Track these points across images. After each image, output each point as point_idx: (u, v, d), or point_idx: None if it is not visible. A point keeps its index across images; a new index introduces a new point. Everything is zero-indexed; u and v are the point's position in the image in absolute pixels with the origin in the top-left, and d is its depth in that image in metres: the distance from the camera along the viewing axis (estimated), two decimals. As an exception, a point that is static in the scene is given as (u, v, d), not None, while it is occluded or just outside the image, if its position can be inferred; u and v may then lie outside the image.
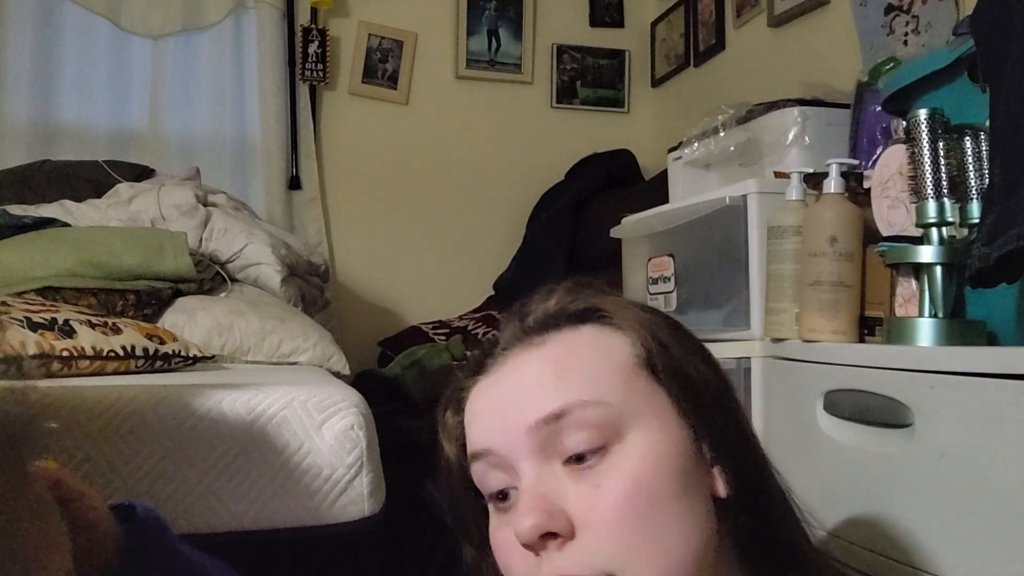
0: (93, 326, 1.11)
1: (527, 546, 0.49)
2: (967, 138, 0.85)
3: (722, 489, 0.53)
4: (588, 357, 0.53)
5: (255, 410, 0.93)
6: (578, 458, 0.50)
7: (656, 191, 1.99)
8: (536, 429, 0.51)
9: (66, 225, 1.63)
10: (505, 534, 0.53)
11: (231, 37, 2.39)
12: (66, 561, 0.41)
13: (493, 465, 0.53)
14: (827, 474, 0.90)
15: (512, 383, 0.54)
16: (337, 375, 1.47)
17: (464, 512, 0.60)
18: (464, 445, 0.58)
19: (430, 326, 2.37)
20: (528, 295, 0.59)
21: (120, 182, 1.92)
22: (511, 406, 0.52)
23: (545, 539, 0.49)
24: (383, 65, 2.56)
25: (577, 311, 0.56)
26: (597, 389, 0.51)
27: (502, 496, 0.53)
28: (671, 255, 1.47)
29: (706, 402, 0.54)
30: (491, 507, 0.55)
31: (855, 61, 1.68)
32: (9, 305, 1.10)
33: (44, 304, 1.18)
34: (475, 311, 2.49)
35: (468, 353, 2.10)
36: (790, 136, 1.44)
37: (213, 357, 1.38)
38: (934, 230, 0.86)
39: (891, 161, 0.98)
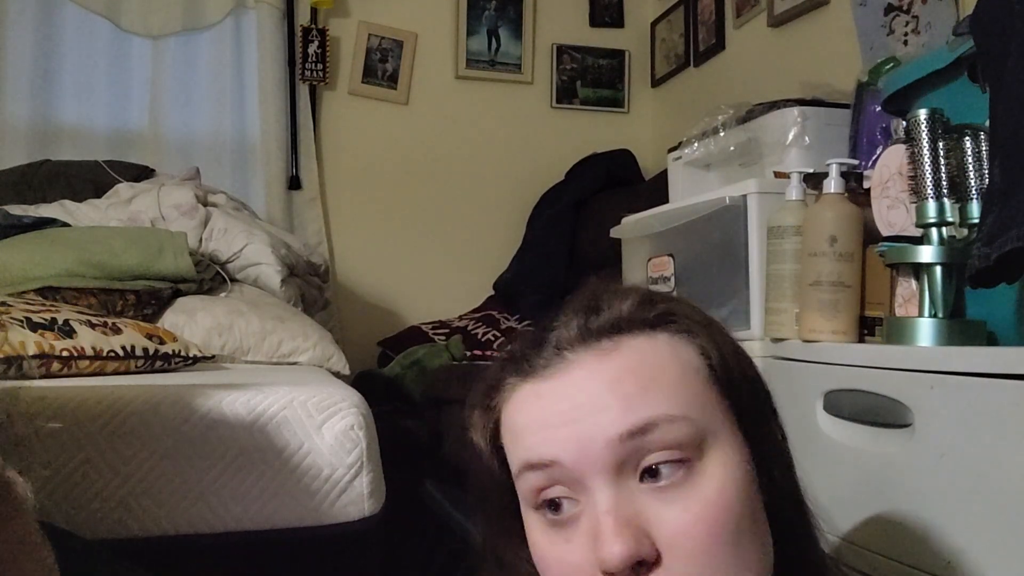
0: (93, 326, 1.11)
1: (608, 574, 0.46)
2: (967, 138, 0.85)
3: (767, 500, 0.52)
4: (668, 367, 0.50)
5: (255, 410, 0.93)
6: (652, 474, 0.47)
7: (656, 191, 1.99)
8: (619, 443, 0.47)
9: (66, 225, 1.63)
10: (563, 551, 0.49)
11: (231, 37, 2.39)
12: (45, 566, 0.40)
13: (555, 478, 0.49)
14: (827, 474, 0.90)
15: (584, 392, 0.49)
16: (337, 375, 1.47)
17: (489, 500, 0.56)
18: (494, 435, 0.54)
19: (430, 326, 2.37)
20: (593, 289, 0.55)
21: (120, 182, 1.92)
22: (586, 417, 0.48)
23: (634, 568, 0.45)
24: (383, 65, 2.56)
25: (652, 316, 0.52)
26: (682, 403, 0.48)
27: (554, 507, 0.49)
28: (671, 255, 1.47)
29: (759, 417, 0.53)
30: (535, 514, 0.51)
31: (855, 61, 1.68)
32: (9, 305, 1.10)
33: (44, 304, 1.18)
34: (475, 311, 2.49)
35: (468, 352, 2.10)
36: (790, 136, 1.44)
37: (213, 357, 1.38)
38: (934, 230, 0.86)
39: (891, 161, 0.98)
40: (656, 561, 0.46)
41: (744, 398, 0.52)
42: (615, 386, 0.48)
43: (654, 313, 0.52)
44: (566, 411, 0.49)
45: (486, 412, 0.55)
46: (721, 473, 0.48)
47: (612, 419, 0.47)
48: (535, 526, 0.51)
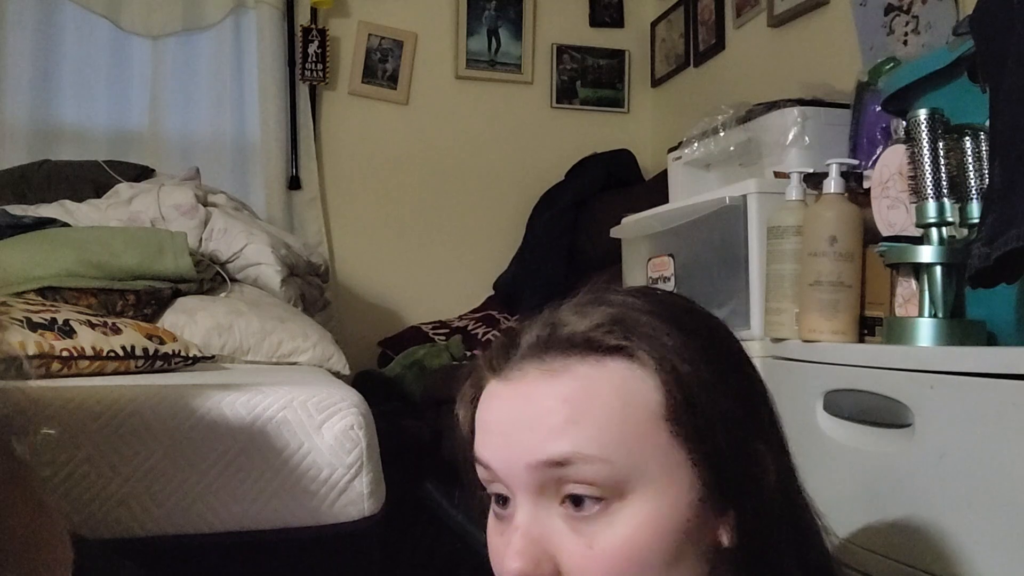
0: (93, 326, 1.11)
1: None
2: (967, 138, 0.85)
3: (726, 539, 0.51)
4: (607, 402, 0.49)
5: (255, 410, 0.93)
6: (575, 501, 0.49)
7: (656, 191, 1.99)
8: (536, 469, 0.49)
9: (66, 225, 1.63)
10: (496, 544, 0.53)
11: (231, 37, 2.39)
12: (67, 550, 0.41)
13: (496, 477, 0.52)
14: (827, 474, 0.90)
15: (522, 409, 0.51)
16: (337, 375, 1.47)
17: (472, 474, 0.59)
18: (473, 412, 0.57)
19: (430, 326, 2.37)
20: (571, 294, 0.55)
21: (120, 182, 1.92)
22: (517, 435, 0.50)
23: None
24: (383, 65, 2.56)
25: (609, 344, 0.50)
26: (606, 443, 0.48)
27: (502, 501, 0.53)
28: (671, 255, 1.47)
29: (726, 455, 0.50)
30: (491, 502, 0.55)
31: (855, 61, 1.67)
32: (9, 305, 1.10)
33: (44, 304, 1.18)
34: (475, 311, 2.49)
35: (469, 352, 2.10)
36: (790, 136, 1.44)
37: (213, 357, 1.38)
38: (934, 230, 0.86)
39: (891, 161, 0.98)
40: None
41: (709, 442, 0.49)
42: (547, 413, 0.49)
43: (612, 342, 0.50)
44: (504, 422, 0.52)
45: (470, 387, 0.58)
46: (638, 519, 0.48)
47: (534, 445, 0.49)
48: (490, 517, 0.55)
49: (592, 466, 0.48)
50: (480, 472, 0.54)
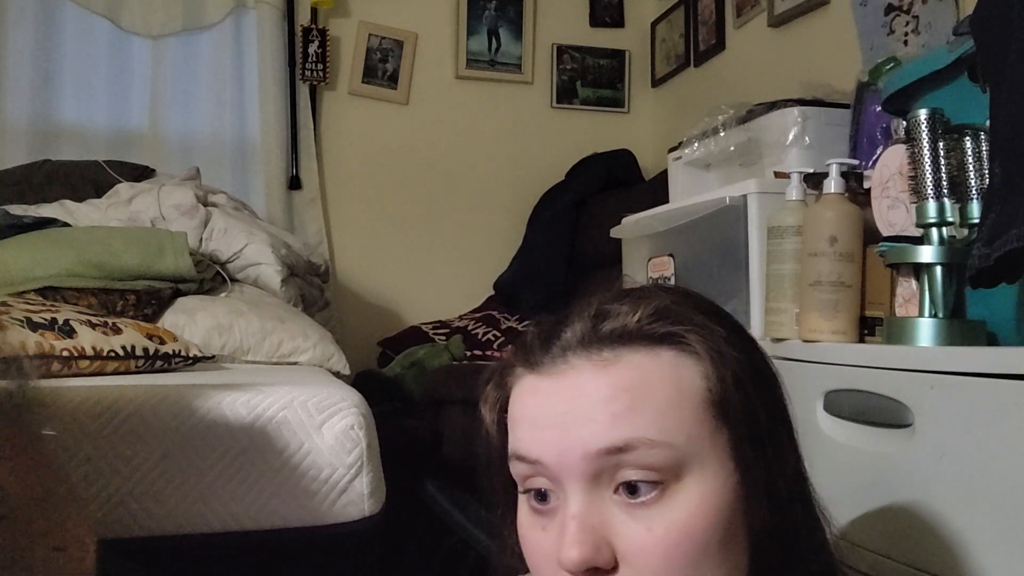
0: (93, 326, 1.11)
1: (568, 572, 0.48)
2: (967, 138, 0.85)
3: (758, 523, 0.52)
4: (662, 389, 0.50)
5: (255, 410, 0.93)
6: (629, 488, 0.49)
7: (656, 191, 1.99)
8: (596, 457, 0.49)
9: (66, 225, 1.63)
10: (539, 539, 0.52)
11: (231, 37, 2.39)
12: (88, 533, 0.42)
13: (538, 472, 0.52)
14: (827, 474, 0.89)
15: (576, 399, 0.50)
16: (337, 375, 1.47)
17: (493, 480, 0.59)
18: (501, 416, 0.56)
19: (430, 326, 2.37)
20: (607, 290, 0.56)
21: (120, 182, 1.92)
22: (572, 425, 0.50)
23: (588, 572, 0.48)
24: (383, 65, 2.56)
25: (659, 333, 0.51)
26: (666, 428, 0.49)
27: (540, 496, 0.52)
28: (671, 255, 1.47)
29: (764, 448, 0.52)
30: (525, 498, 0.54)
31: (855, 61, 1.67)
32: (9, 305, 1.10)
33: (44, 304, 1.18)
34: (475, 311, 2.49)
35: (469, 352, 2.10)
36: (790, 136, 1.44)
37: (213, 357, 1.38)
38: (934, 230, 0.86)
39: (891, 161, 0.98)
40: (613, 569, 0.48)
41: (751, 432, 0.51)
42: (605, 402, 0.49)
43: (662, 331, 0.52)
44: (556, 415, 0.51)
45: (497, 389, 0.57)
46: (695, 500, 0.49)
47: (594, 433, 0.49)
48: (523, 507, 0.54)
49: (654, 450, 0.48)
50: (519, 468, 0.53)
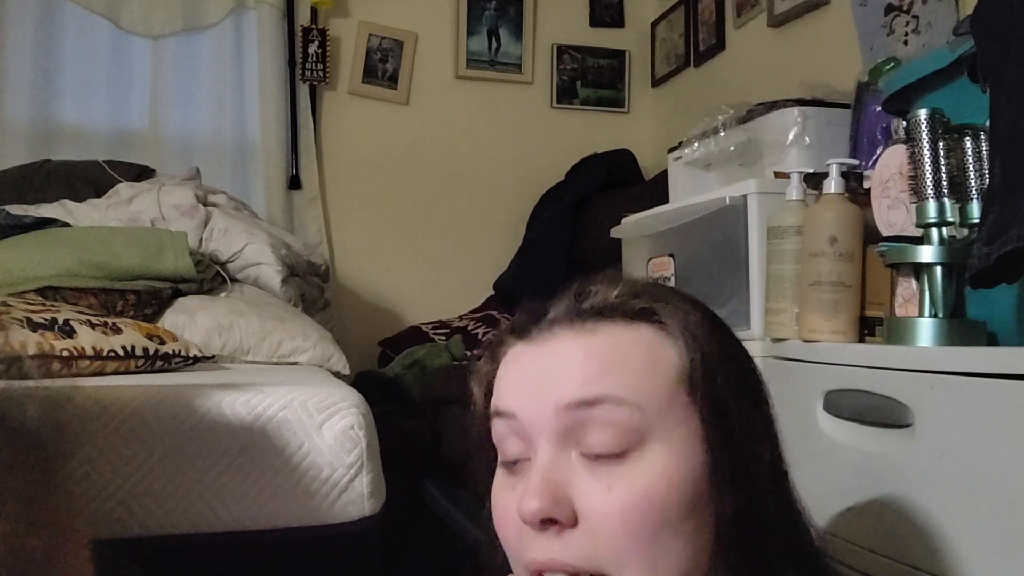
0: (93, 326, 1.11)
1: (526, 522, 0.50)
2: (967, 138, 0.85)
3: (726, 509, 0.52)
4: (637, 359, 0.52)
5: (255, 410, 0.93)
6: (596, 449, 0.51)
7: (656, 191, 1.99)
8: (566, 410, 0.51)
9: (66, 225, 1.63)
10: (507, 498, 0.54)
11: (231, 37, 2.39)
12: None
13: (513, 430, 0.54)
14: (827, 474, 0.90)
15: (554, 359, 0.53)
16: (337, 375, 1.47)
17: (479, 458, 0.60)
18: (490, 394, 0.58)
19: (430, 326, 2.37)
20: (597, 277, 0.58)
21: (120, 182, 1.92)
22: (547, 380, 0.53)
23: (545, 523, 0.50)
24: (383, 65, 2.56)
25: (637, 309, 0.54)
26: (637, 390, 0.51)
27: (513, 460, 0.54)
28: (671, 255, 1.47)
29: (734, 434, 0.53)
30: (500, 462, 0.56)
31: (855, 61, 1.67)
32: (9, 305, 1.10)
33: (44, 304, 1.18)
34: (475, 311, 2.49)
35: (469, 352, 2.10)
36: (790, 136, 1.44)
37: (213, 357, 1.38)
38: (934, 230, 0.86)
39: (891, 161, 0.98)
40: (572, 525, 0.50)
41: (721, 416, 0.52)
42: (580, 363, 0.52)
43: (640, 307, 0.54)
44: (535, 374, 0.54)
45: (488, 362, 0.60)
46: (658, 468, 0.50)
47: (567, 389, 0.51)
48: (498, 473, 0.57)
49: (621, 408, 0.50)
50: (497, 427, 0.55)
